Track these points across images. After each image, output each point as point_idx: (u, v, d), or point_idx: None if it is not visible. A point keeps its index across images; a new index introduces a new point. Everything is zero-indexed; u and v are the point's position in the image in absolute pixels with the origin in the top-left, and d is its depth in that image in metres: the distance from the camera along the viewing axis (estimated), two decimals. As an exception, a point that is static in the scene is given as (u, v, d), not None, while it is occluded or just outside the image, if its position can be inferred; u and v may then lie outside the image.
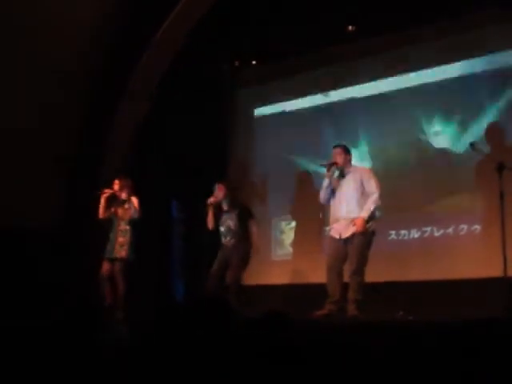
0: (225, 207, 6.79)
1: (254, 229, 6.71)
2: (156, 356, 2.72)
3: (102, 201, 6.85)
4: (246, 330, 2.98)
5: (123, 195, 6.87)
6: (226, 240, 6.74)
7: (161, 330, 2.90)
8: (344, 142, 6.37)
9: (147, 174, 8.08)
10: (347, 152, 6.16)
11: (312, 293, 6.68)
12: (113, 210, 6.88)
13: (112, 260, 6.78)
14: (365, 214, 5.87)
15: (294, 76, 8.19)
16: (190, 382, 2.61)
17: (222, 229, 6.76)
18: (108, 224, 6.91)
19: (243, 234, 6.71)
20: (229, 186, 6.85)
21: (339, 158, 6.09)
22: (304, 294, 7.13)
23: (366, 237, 5.89)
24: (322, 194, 6.20)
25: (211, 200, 6.74)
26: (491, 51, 6.80)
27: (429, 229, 6.99)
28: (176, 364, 2.64)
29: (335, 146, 6.23)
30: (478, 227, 6.66)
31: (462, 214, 6.77)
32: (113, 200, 6.92)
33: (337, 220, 6.05)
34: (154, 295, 7.75)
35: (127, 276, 6.74)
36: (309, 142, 7.93)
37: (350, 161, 6.15)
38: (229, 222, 6.71)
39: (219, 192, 6.76)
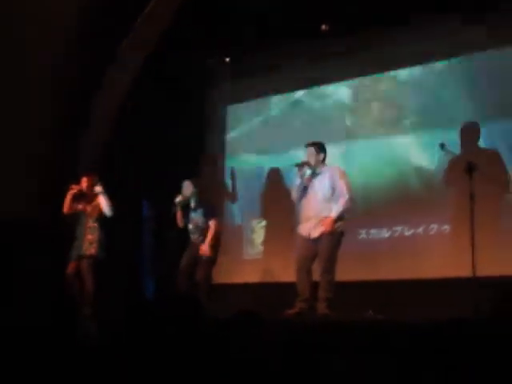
0: (192, 205, 6.80)
1: (212, 226, 6.67)
2: (125, 354, 2.69)
3: (68, 197, 6.79)
4: (216, 329, 2.96)
5: (90, 192, 6.81)
6: (195, 237, 6.78)
7: (130, 327, 2.87)
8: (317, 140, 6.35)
9: (118, 172, 8.02)
10: (320, 151, 6.14)
11: (283, 292, 6.69)
12: (80, 206, 6.82)
13: (80, 257, 6.70)
14: (334, 214, 5.89)
15: (267, 73, 8.17)
16: (160, 380, 2.59)
17: (191, 226, 6.80)
18: (73, 220, 6.85)
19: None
20: (196, 183, 6.84)
21: (311, 158, 6.10)
22: (275, 293, 7.13)
23: (334, 237, 5.91)
24: (294, 194, 6.21)
25: (179, 198, 6.75)
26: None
27: (399, 228, 7.03)
28: (145, 362, 2.61)
29: (308, 145, 6.22)
30: (447, 227, 6.71)
31: (432, 213, 6.82)
32: (80, 197, 6.86)
33: (307, 219, 6.06)
34: (125, 292, 7.69)
35: (96, 273, 6.68)
36: (281, 141, 7.93)
37: (323, 160, 6.14)
38: (196, 220, 6.74)
39: (186, 190, 6.76)
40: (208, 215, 6.71)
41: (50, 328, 3.20)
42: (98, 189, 6.75)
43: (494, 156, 6.48)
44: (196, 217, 6.76)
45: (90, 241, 6.71)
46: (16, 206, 7.12)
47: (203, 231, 6.70)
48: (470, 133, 6.68)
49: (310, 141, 6.29)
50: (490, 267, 5.84)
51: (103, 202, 6.72)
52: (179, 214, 6.81)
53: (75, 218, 6.85)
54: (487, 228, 6.02)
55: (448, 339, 3.50)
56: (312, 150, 6.13)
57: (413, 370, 3.02)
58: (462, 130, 6.71)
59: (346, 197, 5.95)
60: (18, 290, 6.52)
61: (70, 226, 6.89)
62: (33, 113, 7.23)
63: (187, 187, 6.78)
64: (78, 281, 6.67)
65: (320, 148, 6.17)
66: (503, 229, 6.35)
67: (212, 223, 6.67)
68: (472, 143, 6.66)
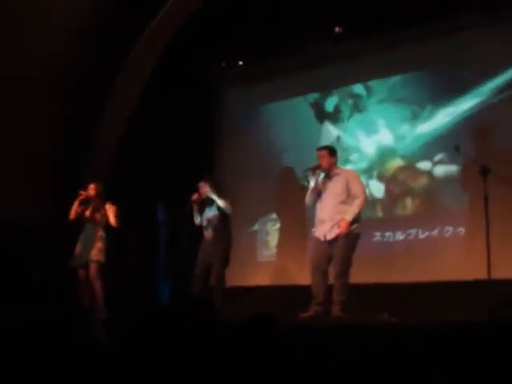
0: (208, 203, 6.83)
1: (223, 203, 6.73)
2: (138, 358, 2.70)
3: (76, 202, 6.78)
4: (232, 332, 2.98)
5: (96, 199, 6.80)
6: (207, 234, 6.81)
7: (144, 332, 2.89)
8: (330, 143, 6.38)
9: (132, 175, 8.06)
10: (332, 154, 6.14)
11: (297, 294, 6.69)
12: (87, 213, 6.79)
13: (87, 264, 6.67)
14: (349, 216, 5.88)
15: (281, 77, 8.19)
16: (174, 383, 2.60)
17: (204, 223, 6.82)
18: (78, 226, 6.83)
19: (223, 229, 6.79)
20: (211, 183, 6.87)
21: (324, 161, 6.10)
22: (289, 296, 7.14)
23: (349, 239, 5.90)
24: (308, 197, 6.21)
25: (195, 197, 6.79)
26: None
27: (414, 231, 7.02)
28: (159, 366, 2.63)
29: (319, 148, 6.23)
30: (462, 229, 6.69)
31: (447, 216, 6.81)
32: (87, 203, 6.84)
33: (322, 222, 6.05)
34: (139, 297, 7.72)
35: (104, 278, 6.68)
36: (296, 142, 7.96)
37: (335, 163, 6.15)
38: (210, 215, 6.78)
39: (203, 189, 6.80)
40: (221, 209, 6.75)
41: (51, 328, 3.21)
42: (110, 206, 6.76)
43: (508, 158, 6.46)
44: (210, 213, 6.80)
45: (99, 249, 6.68)
46: (17, 206, 7.18)
47: (216, 227, 6.73)
48: (482, 135, 6.66)
49: (322, 145, 6.29)
50: (506, 270, 5.83)
51: (111, 214, 6.72)
52: (195, 212, 6.85)
53: (80, 223, 6.84)
54: (502, 230, 6.00)
55: (462, 342, 3.50)
56: (324, 152, 6.13)
57: (427, 372, 3.02)
58: (474, 132, 6.69)
59: (361, 198, 5.95)
60: (18, 290, 6.56)
61: (72, 231, 6.88)
62: (36, 112, 7.27)
63: (203, 187, 6.81)
64: (87, 285, 6.68)
65: (332, 151, 6.18)
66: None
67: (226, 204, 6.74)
68: (486, 145, 6.65)
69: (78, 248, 6.74)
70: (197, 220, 6.90)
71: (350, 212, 5.90)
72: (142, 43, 7.80)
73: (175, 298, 8.15)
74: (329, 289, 5.95)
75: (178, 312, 2.90)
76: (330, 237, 5.93)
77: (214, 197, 6.77)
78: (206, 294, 6.55)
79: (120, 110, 8.20)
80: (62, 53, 7.21)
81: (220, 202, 6.73)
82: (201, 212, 6.88)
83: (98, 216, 6.77)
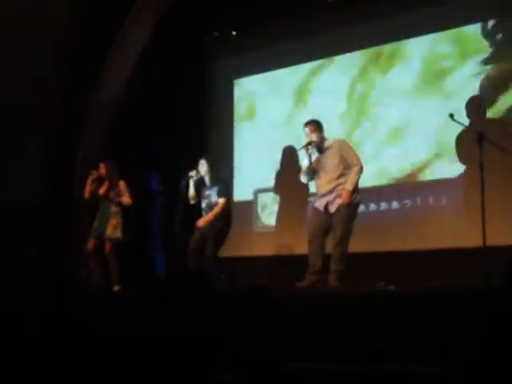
0: (207, 182, 6.76)
1: (220, 203, 6.60)
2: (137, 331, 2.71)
3: (89, 181, 7.00)
4: (227, 304, 2.97)
5: (109, 178, 6.99)
6: (205, 215, 6.72)
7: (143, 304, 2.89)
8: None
9: (126, 148, 8.03)
10: (320, 127, 6.17)
11: (294, 264, 6.72)
12: (101, 191, 6.98)
13: (101, 239, 6.90)
14: (349, 186, 5.91)
15: (274, 46, 8.10)
16: (173, 355, 2.60)
17: (203, 204, 6.74)
18: (93, 204, 7.06)
19: (222, 214, 6.68)
20: (211, 161, 6.81)
21: (313, 136, 6.11)
22: (286, 266, 7.16)
23: (351, 208, 5.93)
24: (303, 175, 6.23)
25: (192, 173, 6.72)
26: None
27: (409, 200, 7.01)
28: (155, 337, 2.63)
29: (307, 124, 6.22)
30: (458, 197, 6.68)
31: (442, 184, 6.79)
32: (99, 182, 7.04)
33: (322, 195, 6.07)
34: (135, 268, 7.75)
35: (120, 255, 6.90)
36: (289, 114, 7.90)
37: (323, 135, 6.17)
38: (210, 198, 6.68)
39: (201, 167, 6.72)
40: (221, 193, 6.67)
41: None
42: (123, 184, 6.97)
43: (501, 126, 6.43)
44: (209, 194, 6.71)
45: (114, 225, 6.91)
46: (20, 183, 7.19)
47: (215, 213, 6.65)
48: (476, 104, 6.63)
49: (307, 120, 6.28)
50: (501, 237, 5.84)
51: (125, 192, 6.95)
52: (192, 191, 6.79)
53: (95, 202, 7.07)
54: (497, 198, 6.00)
55: (458, 308, 3.51)
56: (312, 127, 6.15)
57: (422, 339, 3.03)
58: (468, 102, 6.65)
59: (358, 166, 5.96)
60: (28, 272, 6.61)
61: (88, 208, 7.12)
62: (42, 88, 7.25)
63: (202, 165, 6.74)
64: (95, 260, 6.87)
65: (319, 124, 6.20)
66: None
67: (221, 201, 6.62)
68: (479, 114, 6.61)
69: (96, 224, 6.99)
70: (193, 200, 6.80)
71: (349, 181, 5.93)
72: (134, 15, 7.73)
73: (170, 271, 8.15)
74: (325, 258, 5.96)
75: (173, 285, 2.89)
76: (333, 209, 5.96)
77: (211, 180, 6.70)
78: (201, 267, 6.53)
79: (114, 82, 8.16)
80: (63, 25, 7.18)
81: (218, 187, 6.66)
82: (198, 192, 6.80)
83: (111, 194, 6.98)
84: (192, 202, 6.82)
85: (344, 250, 5.88)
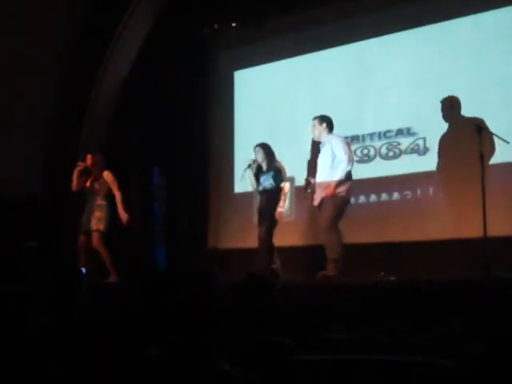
0: (264, 168, 6.83)
1: (285, 188, 6.69)
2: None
3: (75, 174, 6.92)
4: (228, 294, 2.98)
5: (96, 170, 6.91)
6: (262, 199, 6.82)
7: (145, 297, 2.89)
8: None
9: (127, 141, 8.05)
10: (322, 122, 6.34)
11: (295, 255, 6.75)
12: (88, 184, 6.92)
13: (88, 233, 6.82)
14: (334, 179, 6.08)
15: (274, 38, 8.09)
16: (171, 345, 2.61)
17: (261, 189, 6.82)
18: (81, 196, 6.97)
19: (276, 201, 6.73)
20: (266, 148, 6.85)
21: (315, 131, 6.36)
22: (287, 257, 7.18)
23: (335, 202, 6.07)
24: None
25: (250, 161, 6.82)
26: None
27: (409, 191, 7.01)
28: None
29: (314, 118, 6.40)
30: (456, 189, 6.68)
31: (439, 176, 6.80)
32: (87, 173, 6.96)
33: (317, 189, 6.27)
34: (136, 260, 7.76)
35: (107, 245, 6.80)
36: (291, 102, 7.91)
37: (325, 129, 6.33)
38: (266, 183, 6.77)
39: (258, 154, 6.82)
40: (277, 179, 6.74)
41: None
42: (107, 175, 6.85)
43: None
44: (265, 180, 6.79)
45: (98, 217, 6.80)
46: (19, 176, 7.21)
47: (272, 194, 6.71)
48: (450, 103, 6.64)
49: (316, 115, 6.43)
50: (501, 228, 5.84)
51: (111, 182, 6.83)
52: (253, 179, 6.86)
53: (83, 194, 6.97)
54: (497, 189, 6.01)
55: (459, 298, 3.52)
56: (314, 122, 6.36)
57: (421, 329, 3.04)
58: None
59: (345, 162, 6.10)
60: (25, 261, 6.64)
61: (78, 201, 7.00)
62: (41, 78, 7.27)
63: (258, 152, 6.82)
64: (85, 254, 6.80)
65: (321, 119, 6.36)
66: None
67: (285, 185, 6.70)
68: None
69: (84, 217, 6.89)
70: (255, 186, 6.89)
71: (335, 176, 6.11)
72: (136, 7, 7.74)
73: (172, 263, 8.15)
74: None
75: (174, 278, 2.89)
76: (316, 203, 6.19)
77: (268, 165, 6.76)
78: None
79: (115, 74, 8.18)
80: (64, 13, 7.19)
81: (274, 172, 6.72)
82: (257, 179, 6.86)
83: (96, 185, 6.88)
84: (253, 187, 6.94)
85: (331, 239, 5.98)
